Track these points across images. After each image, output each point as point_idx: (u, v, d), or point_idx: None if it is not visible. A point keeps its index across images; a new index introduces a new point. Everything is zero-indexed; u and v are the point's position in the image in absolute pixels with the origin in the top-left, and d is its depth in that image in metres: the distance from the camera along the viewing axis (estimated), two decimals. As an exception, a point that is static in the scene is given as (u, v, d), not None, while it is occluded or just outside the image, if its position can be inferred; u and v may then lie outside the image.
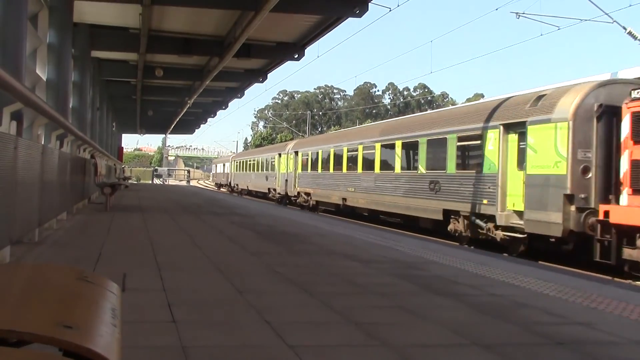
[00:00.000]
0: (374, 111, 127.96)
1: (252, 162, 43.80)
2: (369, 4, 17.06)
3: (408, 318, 4.16)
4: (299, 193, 29.85)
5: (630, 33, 21.90)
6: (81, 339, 1.15)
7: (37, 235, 7.40)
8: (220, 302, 4.38)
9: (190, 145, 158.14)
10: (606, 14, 22.23)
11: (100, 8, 17.85)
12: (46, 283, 1.48)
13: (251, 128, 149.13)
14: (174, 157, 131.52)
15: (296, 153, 30.83)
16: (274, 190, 35.22)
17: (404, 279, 5.78)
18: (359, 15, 16.98)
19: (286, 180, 32.01)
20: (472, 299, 4.93)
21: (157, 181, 73.28)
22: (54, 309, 1.27)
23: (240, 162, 49.66)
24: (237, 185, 49.80)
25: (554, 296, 5.27)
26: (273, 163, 36.05)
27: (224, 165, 60.66)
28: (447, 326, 3.92)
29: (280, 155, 34.24)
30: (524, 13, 23.90)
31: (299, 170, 30.04)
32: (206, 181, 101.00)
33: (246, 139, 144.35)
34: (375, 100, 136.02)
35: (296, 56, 22.70)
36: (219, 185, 62.77)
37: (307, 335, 3.58)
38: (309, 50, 22.58)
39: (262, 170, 39.77)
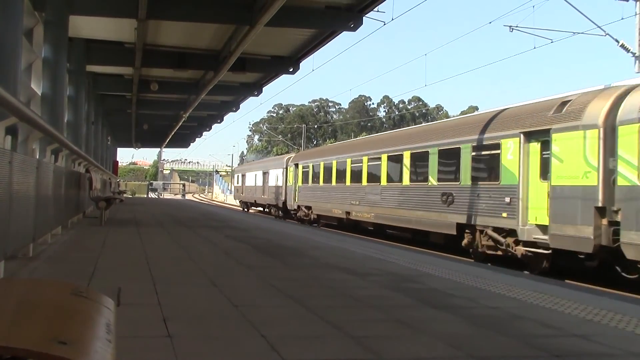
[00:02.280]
0: (369, 124, 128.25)
1: (374, 161, 21.77)
2: (363, 18, 17.16)
3: (404, 331, 4.14)
4: None
5: (622, 45, 22.10)
6: (76, 354, 1.15)
7: (32, 250, 7.36)
8: (215, 316, 4.36)
9: (186, 159, 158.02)
10: (599, 27, 22.45)
11: (96, 23, 17.92)
12: (40, 298, 1.47)
13: (246, 142, 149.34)
14: (169, 171, 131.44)
15: None
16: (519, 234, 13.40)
17: (399, 292, 5.77)
18: (354, 29, 17.07)
19: None
20: (468, 312, 4.92)
21: (152, 195, 73.14)
22: (49, 325, 1.26)
23: (318, 166, 27.78)
24: (304, 208, 29.09)
25: (549, 308, 5.27)
26: (496, 159, 14.52)
27: (264, 174, 38.59)
28: (443, 339, 3.91)
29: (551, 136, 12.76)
30: (517, 26, 24.12)
31: None
32: (201, 195, 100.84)
33: (242, 152, 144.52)
34: (370, 114, 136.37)
35: (291, 70, 22.79)
36: (248, 205, 44.53)
37: (303, 349, 3.57)
38: (304, 64, 22.70)
39: (422, 178, 18.24)
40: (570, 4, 21.52)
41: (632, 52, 21.81)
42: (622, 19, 21.98)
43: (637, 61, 21.69)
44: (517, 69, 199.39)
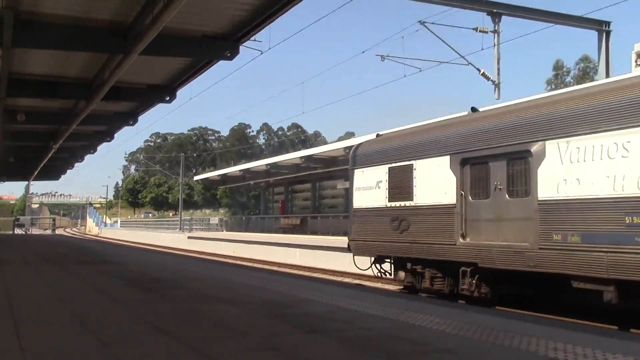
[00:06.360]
0: (249, 151, 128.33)
1: None
2: (240, 47, 17.25)
3: (277, 359, 4.17)
4: None
5: (483, 74, 23.77)
6: None
7: None
8: (83, 357, 4.16)
9: (57, 192, 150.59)
10: (462, 56, 24.02)
11: (-49, 49, 16.73)
12: None
13: (122, 172, 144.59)
14: (38, 205, 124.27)
15: None
16: None
17: (277, 319, 5.80)
18: (230, 58, 17.07)
19: None
20: (343, 334, 5.04)
21: (19, 231, 68.69)
22: None
23: None
24: None
25: (419, 325, 5.51)
26: None
27: None
28: (317, 363, 3.98)
29: None
30: (388, 56, 25.26)
31: None
32: (73, 229, 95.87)
33: (117, 183, 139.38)
34: (250, 141, 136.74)
35: (167, 98, 22.35)
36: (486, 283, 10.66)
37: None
38: (181, 92, 22.35)
39: None
40: (435, 35, 22.89)
41: (492, 80, 23.51)
42: (482, 49, 23.65)
43: (497, 89, 23.44)
44: (391, 95, 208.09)
